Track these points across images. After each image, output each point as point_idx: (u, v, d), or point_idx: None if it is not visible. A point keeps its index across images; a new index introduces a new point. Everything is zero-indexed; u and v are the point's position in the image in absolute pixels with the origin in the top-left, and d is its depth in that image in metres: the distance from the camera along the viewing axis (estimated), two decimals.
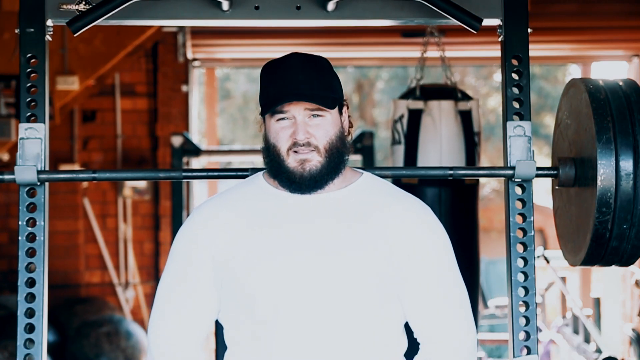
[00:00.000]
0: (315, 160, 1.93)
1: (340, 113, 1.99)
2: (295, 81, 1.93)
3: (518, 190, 2.30)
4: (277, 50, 6.36)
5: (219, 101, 11.54)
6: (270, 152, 1.97)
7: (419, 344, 2.02)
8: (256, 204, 1.99)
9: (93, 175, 2.29)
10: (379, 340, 1.95)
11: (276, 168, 1.96)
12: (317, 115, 1.94)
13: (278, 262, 1.91)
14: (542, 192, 10.66)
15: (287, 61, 1.97)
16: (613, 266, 2.32)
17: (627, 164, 2.16)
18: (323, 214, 1.95)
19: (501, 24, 2.31)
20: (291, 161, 1.94)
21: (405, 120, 3.90)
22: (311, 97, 1.92)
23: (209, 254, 1.97)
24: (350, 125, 2.05)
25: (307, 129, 1.93)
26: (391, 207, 1.98)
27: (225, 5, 2.28)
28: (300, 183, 1.94)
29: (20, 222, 2.23)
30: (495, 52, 2.45)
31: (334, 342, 1.90)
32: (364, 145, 5.39)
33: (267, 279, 1.91)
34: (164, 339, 2.00)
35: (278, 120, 1.94)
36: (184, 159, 5.47)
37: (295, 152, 1.93)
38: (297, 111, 1.93)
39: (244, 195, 2.02)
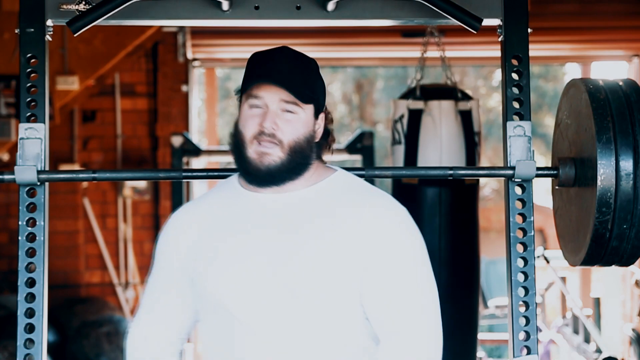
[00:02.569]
0: (275, 155, 1.90)
1: (316, 118, 1.96)
2: (277, 68, 1.91)
3: (518, 190, 2.30)
4: None
5: (219, 101, 11.53)
6: (236, 138, 1.94)
7: None
8: (225, 205, 1.98)
9: (93, 175, 2.29)
10: (347, 341, 1.91)
11: (237, 154, 1.94)
12: (290, 111, 1.90)
13: (241, 263, 1.89)
14: (542, 192, 10.65)
15: (274, 51, 1.96)
16: (613, 266, 2.32)
17: (627, 164, 2.16)
18: (288, 213, 1.92)
19: (501, 24, 2.31)
20: (251, 151, 1.91)
21: (405, 120, 3.90)
22: (289, 86, 1.89)
23: (179, 257, 1.98)
24: (333, 140, 2.01)
25: (276, 120, 1.90)
26: (360, 204, 1.92)
27: (225, 5, 2.28)
28: (257, 175, 1.91)
29: (20, 222, 2.23)
30: (495, 52, 2.45)
31: (299, 343, 1.88)
32: (364, 145, 5.38)
33: (230, 281, 1.90)
34: (137, 344, 2.02)
35: (251, 107, 1.92)
36: (184, 159, 5.47)
37: (258, 142, 1.90)
38: (272, 99, 1.90)
39: (216, 198, 2.01)
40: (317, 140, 1.97)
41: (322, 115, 1.98)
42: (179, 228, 2.00)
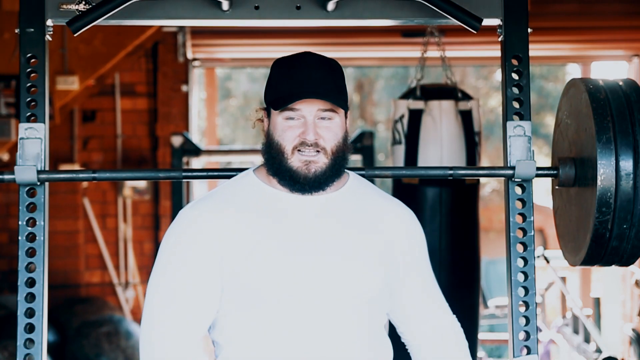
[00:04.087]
0: (321, 162, 1.92)
1: (346, 116, 1.99)
2: (311, 79, 1.91)
3: (518, 190, 2.30)
4: (277, 50, 6.36)
5: (219, 101, 11.54)
6: (272, 149, 1.94)
7: (403, 344, 2.12)
8: (254, 202, 1.96)
9: (93, 175, 2.28)
10: (375, 338, 1.97)
11: (277, 166, 1.94)
12: (327, 117, 1.93)
13: (281, 261, 1.91)
14: (542, 192, 10.65)
15: (301, 59, 1.96)
16: (613, 266, 2.32)
17: (627, 164, 2.16)
18: (323, 214, 1.96)
19: (501, 24, 2.31)
20: (295, 160, 1.92)
21: (405, 120, 3.90)
22: (327, 96, 1.91)
23: (212, 252, 1.91)
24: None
25: (317, 130, 1.92)
26: (386, 208, 2.03)
27: (225, 5, 2.28)
28: (304, 184, 1.93)
29: (20, 222, 2.23)
30: (495, 52, 2.46)
31: (332, 340, 1.91)
32: (364, 145, 5.38)
33: (269, 277, 1.90)
34: (170, 343, 1.90)
35: (287, 118, 1.92)
36: (184, 159, 5.47)
37: (300, 151, 1.91)
38: (309, 111, 1.91)
39: (239, 194, 1.98)
40: (350, 136, 2.01)
41: (348, 112, 2.02)
42: (208, 222, 1.92)
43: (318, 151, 1.92)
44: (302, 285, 1.90)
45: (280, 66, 1.97)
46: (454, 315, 2.13)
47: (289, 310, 1.90)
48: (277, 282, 1.90)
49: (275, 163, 1.94)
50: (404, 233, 2.03)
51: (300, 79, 1.92)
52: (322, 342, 1.90)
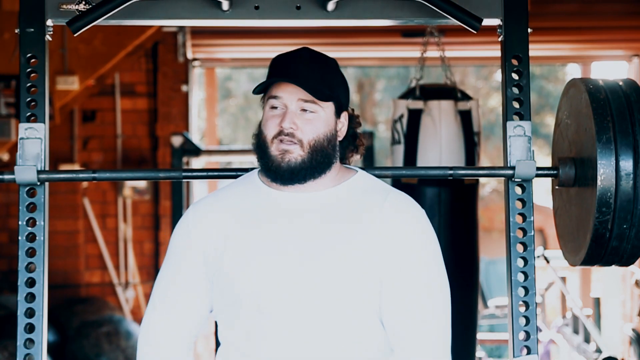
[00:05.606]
0: (296, 153, 1.92)
1: (338, 117, 1.98)
2: (294, 69, 1.93)
3: (518, 190, 2.30)
4: (277, 50, 6.32)
5: (219, 101, 11.53)
6: (258, 138, 1.97)
7: None
8: (248, 201, 1.99)
9: (93, 175, 2.29)
10: (365, 339, 1.94)
11: (261, 155, 1.96)
12: (310, 110, 1.92)
13: (264, 260, 1.91)
14: (542, 192, 10.66)
15: (294, 53, 1.98)
16: (613, 266, 2.32)
17: (627, 164, 2.16)
18: (312, 212, 1.94)
19: (501, 24, 2.32)
20: (274, 149, 1.93)
21: (404, 120, 3.90)
22: (305, 84, 1.90)
23: (200, 252, 1.98)
24: (362, 144, 2.05)
25: (295, 120, 1.91)
26: (382, 207, 1.94)
27: (225, 5, 2.28)
28: (277, 172, 1.93)
29: (20, 222, 2.23)
30: (495, 52, 2.46)
31: (319, 340, 1.90)
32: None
33: (253, 276, 1.91)
34: (153, 334, 2.01)
35: (271, 108, 1.94)
36: (184, 159, 5.47)
37: (281, 141, 1.92)
38: (290, 100, 1.92)
39: (238, 193, 2.02)
40: (339, 139, 1.99)
41: (345, 114, 2.00)
42: (200, 222, 2.00)
43: (295, 143, 1.92)
44: (279, 287, 1.90)
45: (274, 60, 1.99)
46: (430, 341, 1.91)
47: (267, 310, 1.90)
48: (252, 284, 1.91)
49: (260, 152, 1.96)
50: (394, 235, 1.92)
51: (284, 68, 1.94)
52: (300, 344, 1.90)
